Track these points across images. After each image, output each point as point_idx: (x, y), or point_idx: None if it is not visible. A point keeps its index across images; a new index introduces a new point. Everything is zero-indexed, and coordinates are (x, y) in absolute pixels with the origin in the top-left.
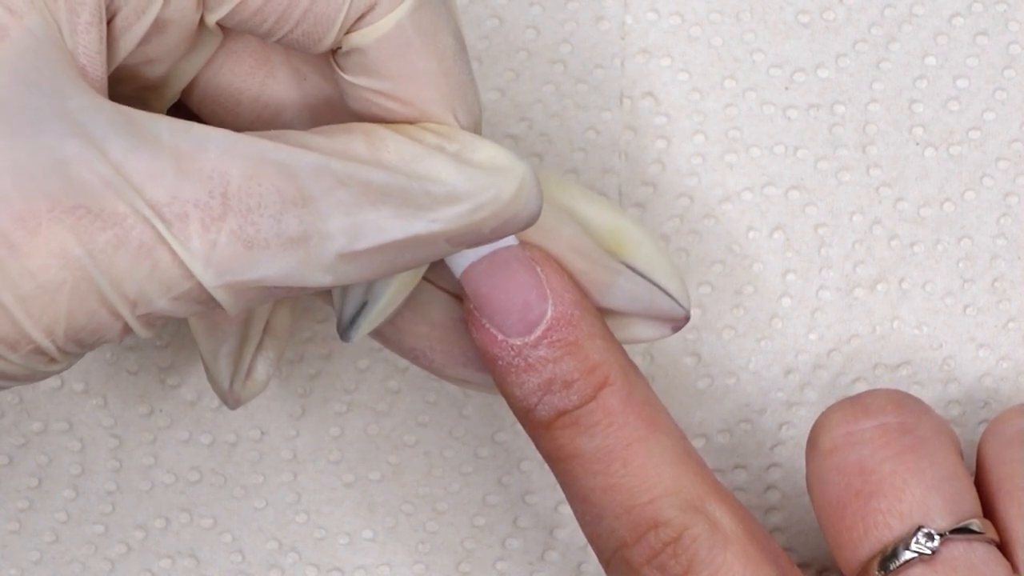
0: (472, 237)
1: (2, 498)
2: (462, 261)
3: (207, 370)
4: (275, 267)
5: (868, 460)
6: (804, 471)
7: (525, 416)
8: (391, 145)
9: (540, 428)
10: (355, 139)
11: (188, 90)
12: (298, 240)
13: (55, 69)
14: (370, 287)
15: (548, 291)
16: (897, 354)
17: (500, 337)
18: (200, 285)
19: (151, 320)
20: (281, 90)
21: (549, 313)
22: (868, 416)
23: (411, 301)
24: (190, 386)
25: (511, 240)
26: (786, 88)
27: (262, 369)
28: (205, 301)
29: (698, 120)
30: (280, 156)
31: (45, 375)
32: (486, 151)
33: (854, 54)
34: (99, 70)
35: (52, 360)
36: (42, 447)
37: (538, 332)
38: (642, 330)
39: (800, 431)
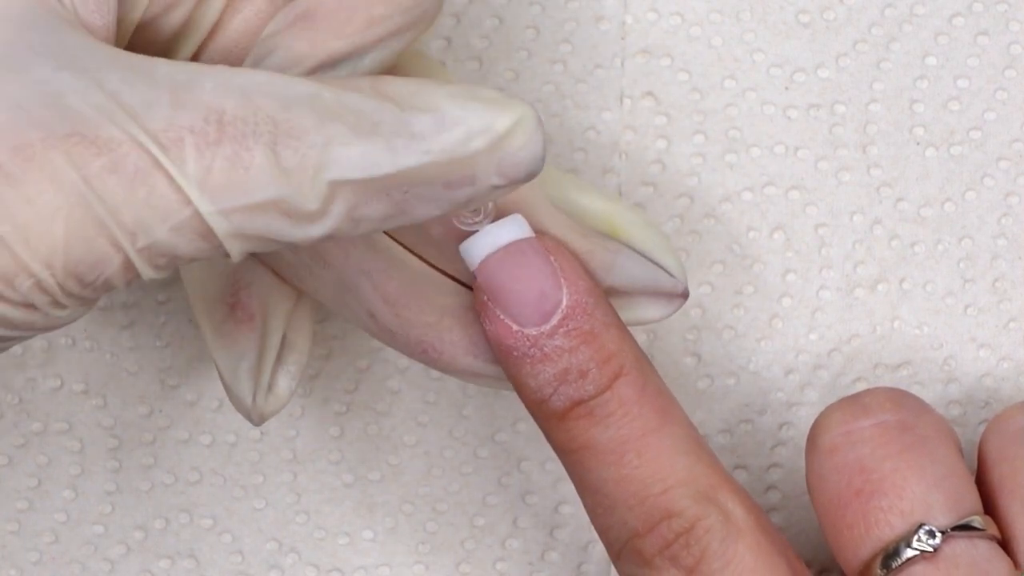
0: (467, 176)
1: (1, 498)
2: (478, 254)
3: (227, 388)
4: (269, 193)
5: (868, 459)
6: (804, 471)
7: (538, 407)
8: (391, 82)
9: (554, 419)
10: (357, 77)
11: (203, 50)
12: (292, 169)
13: (52, 15)
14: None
15: (563, 280)
16: (898, 354)
17: (515, 328)
18: (198, 214)
19: (153, 257)
20: None
21: (564, 302)
22: (867, 415)
23: (417, 291)
24: (190, 386)
25: (526, 231)
26: (786, 88)
27: (284, 383)
28: (205, 234)
29: (698, 120)
30: (276, 87)
31: (49, 324)
32: (488, 91)
33: (854, 54)
34: (104, 18)
35: (56, 303)
36: (42, 447)
37: (554, 321)
38: (646, 310)
39: (800, 431)
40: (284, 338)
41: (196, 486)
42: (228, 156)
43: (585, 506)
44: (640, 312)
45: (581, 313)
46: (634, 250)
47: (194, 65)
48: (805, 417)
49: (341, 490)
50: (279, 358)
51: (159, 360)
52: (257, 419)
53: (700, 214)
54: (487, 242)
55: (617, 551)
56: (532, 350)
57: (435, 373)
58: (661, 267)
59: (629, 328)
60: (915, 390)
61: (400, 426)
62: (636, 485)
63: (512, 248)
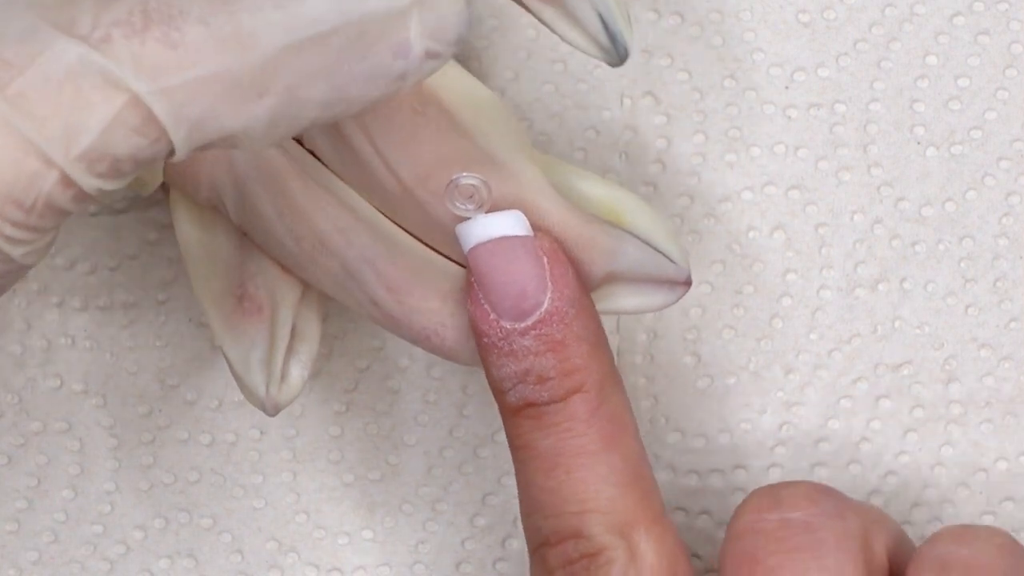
0: (402, 40)
1: (1, 498)
2: (470, 239)
3: (239, 380)
4: (211, 65)
5: (760, 551)
6: (804, 471)
7: (496, 395)
8: None
9: (506, 411)
10: None
11: None
12: (229, 37)
13: None
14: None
15: (549, 284)
16: (898, 354)
17: (492, 316)
18: (133, 101)
19: (92, 164)
20: None
21: (545, 306)
22: (776, 508)
23: (420, 277)
24: (190, 386)
25: (523, 229)
26: (786, 87)
27: (296, 372)
28: (140, 126)
29: (698, 120)
30: None
31: (11, 265)
32: None
33: (855, 53)
34: None
35: (4, 236)
36: (41, 447)
37: (529, 322)
38: (649, 297)
39: (800, 431)
40: (294, 327)
41: (195, 486)
42: (159, 38)
43: (519, 499)
44: (643, 299)
45: (558, 321)
46: (637, 237)
47: None
48: (805, 417)
49: (341, 490)
50: (290, 347)
51: (159, 360)
52: (272, 409)
53: (700, 214)
54: (481, 230)
55: (531, 551)
56: (501, 342)
57: (435, 373)
58: (664, 254)
59: (632, 320)
60: (915, 390)
61: (400, 426)
62: (557, 499)
63: (505, 242)
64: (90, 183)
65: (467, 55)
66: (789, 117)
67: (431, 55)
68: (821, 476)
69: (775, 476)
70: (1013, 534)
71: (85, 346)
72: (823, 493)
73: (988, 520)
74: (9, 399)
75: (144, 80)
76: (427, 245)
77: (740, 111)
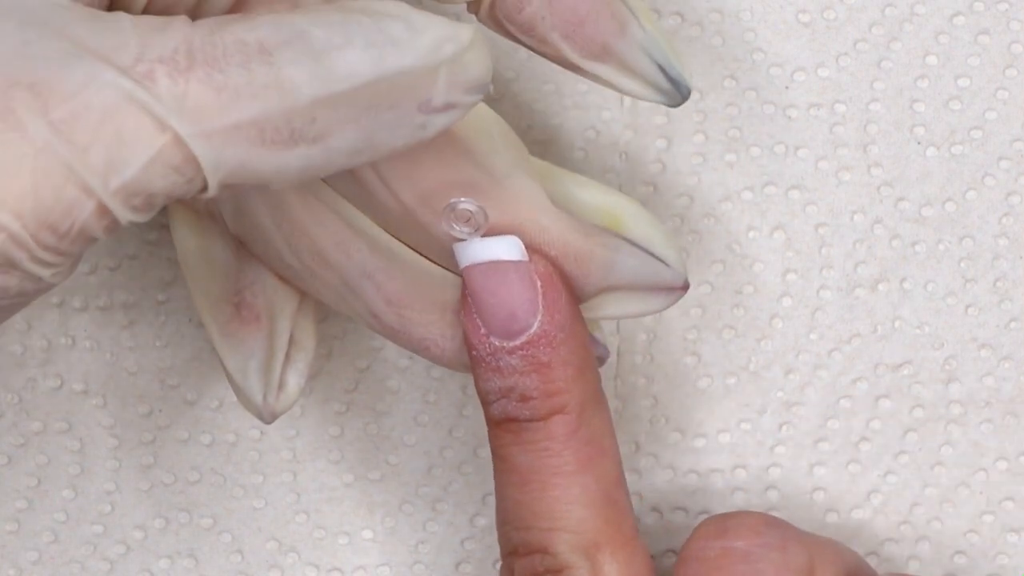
0: (430, 90)
1: (1, 498)
2: (466, 259)
3: (236, 388)
4: (251, 111)
5: None
6: (804, 471)
7: (482, 404)
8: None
9: (489, 421)
10: (315, 2)
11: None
12: (269, 85)
13: None
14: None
15: (541, 307)
16: (898, 354)
17: (483, 331)
18: (173, 141)
19: (128, 198)
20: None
21: (534, 329)
22: (722, 537)
23: (419, 290)
24: (190, 386)
25: (518, 255)
26: (786, 87)
27: (293, 381)
28: (179, 165)
29: (698, 120)
30: (242, 19)
31: (35, 285)
32: (437, 14)
33: (855, 53)
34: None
35: (35, 258)
36: (41, 447)
37: (516, 342)
38: (646, 303)
39: (800, 431)
40: (291, 336)
41: (196, 486)
42: (201, 79)
43: (495, 505)
44: (640, 305)
45: (545, 344)
46: (634, 244)
47: (161, 17)
48: (805, 417)
49: (341, 490)
50: (288, 356)
51: (159, 360)
52: (269, 418)
53: (700, 214)
54: (476, 253)
55: (502, 556)
56: (489, 357)
57: (435, 373)
58: (661, 260)
59: (632, 320)
60: (915, 390)
61: (400, 426)
62: (528, 513)
63: (498, 266)
64: (124, 215)
65: None
66: (789, 117)
67: (453, 107)
68: (821, 476)
69: (775, 476)
70: (1013, 534)
71: (85, 346)
72: (769, 525)
73: (988, 520)
74: (9, 399)
75: (187, 122)
76: (426, 257)
77: (740, 111)
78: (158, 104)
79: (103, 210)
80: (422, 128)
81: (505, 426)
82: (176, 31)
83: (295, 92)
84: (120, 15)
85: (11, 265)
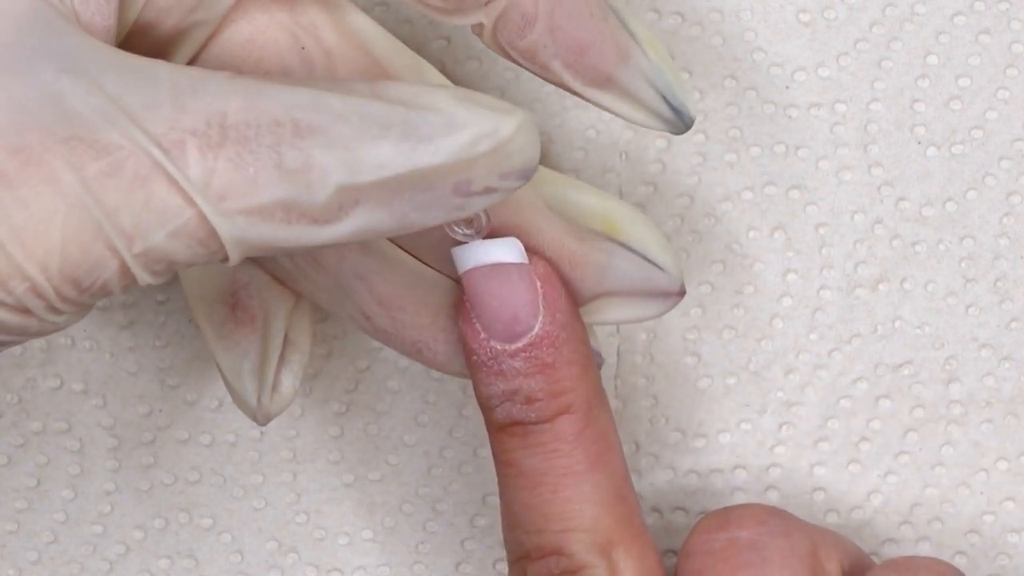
0: (467, 179)
1: (1, 498)
2: (465, 263)
3: (231, 389)
4: (275, 194)
5: (707, 570)
6: (804, 471)
7: (483, 410)
8: (391, 85)
9: (492, 427)
10: (356, 80)
11: (202, 55)
12: (297, 171)
13: (54, 16)
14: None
15: (542, 308)
16: (899, 354)
17: (483, 335)
18: (199, 217)
19: (151, 263)
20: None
21: (536, 330)
22: (725, 528)
23: (412, 292)
24: (190, 386)
25: (519, 257)
26: (787, 87)
27: (287, 382)
28: (204, 239)
29: (698, 120)
30: (279, 91)
31: (44, 329)
32: (487, 97)
33: (855, 53)
34: (106, 20)
35: (52, 308)
36: (41, 447)
37: (519, 344)
38: (641, 308)
39: (800, 431)
40: (286, 337)
41: (195, 486)
42: (231, 158)
43: (500, 510)
44: (635, 310)
45: (548, 345)
46: (630, 248)
47: (196, 69)
48: (805, 417)
49: (341, 490)
50: (282, 357)
51: (159, 360)
52: (263, 419)
53: (700, 214)
54: (476, 256)
55: (511, 561)
56: (490, 362)
57: (435, 373)
58: (657, 265)
59: (627, 326)
60: (916, 390)
61: (400, 426)
62: (539, 517)
63: (500, 268)
64: (144, 278)
65: (467, 56)
66: (789, 117)
67: (491, 191)
68: (821, 476)
69: (775, 476)
70: (1013, 534)
71: (85, 346)
72: (771, 514)
73: (989, 520)
74: (9, 399)
75: (212, 202)
76: (419, 259)
77: (740, 111)
78: (186, 181)
79: (125, 271)
80: (460, 209)
81: (510, 430)
82: (213, 96)
83: (323, 179)
84: (158, 64)
85: (26, 312)
